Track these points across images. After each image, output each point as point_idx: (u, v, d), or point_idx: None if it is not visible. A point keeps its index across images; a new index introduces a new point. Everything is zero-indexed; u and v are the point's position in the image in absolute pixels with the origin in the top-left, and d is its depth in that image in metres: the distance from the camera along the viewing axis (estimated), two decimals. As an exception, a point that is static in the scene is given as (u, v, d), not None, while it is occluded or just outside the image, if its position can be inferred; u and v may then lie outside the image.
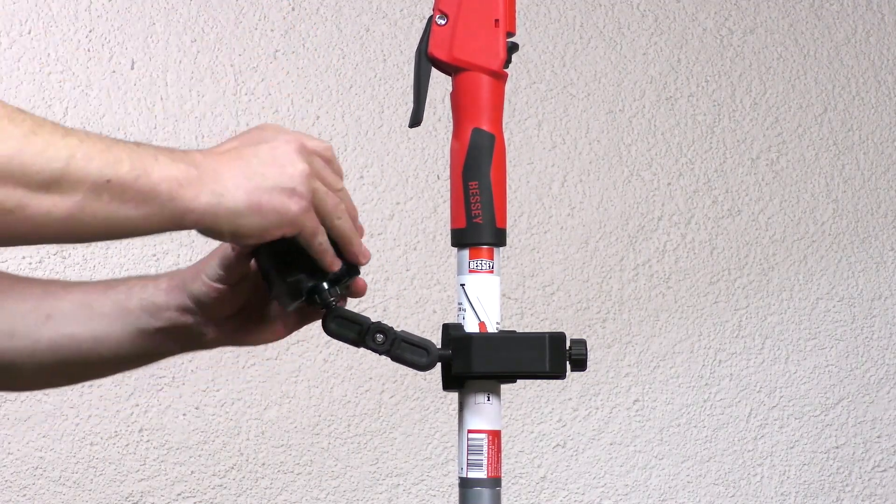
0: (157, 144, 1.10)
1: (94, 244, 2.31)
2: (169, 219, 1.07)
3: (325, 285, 1.20)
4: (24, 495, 2.28)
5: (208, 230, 1.10)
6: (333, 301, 1.21)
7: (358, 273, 1.22)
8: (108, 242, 2.32)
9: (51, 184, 1.01)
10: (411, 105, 1.26)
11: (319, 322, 1.26)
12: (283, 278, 1.19)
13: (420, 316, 2.45)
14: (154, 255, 2.34)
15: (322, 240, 1.16)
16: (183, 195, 1.07)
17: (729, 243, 2.61)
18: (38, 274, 2.28)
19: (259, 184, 1.10)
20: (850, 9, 2.70)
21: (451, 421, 2.43)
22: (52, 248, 2.30)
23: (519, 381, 1.26)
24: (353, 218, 1.19)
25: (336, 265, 1.19)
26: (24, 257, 2.29)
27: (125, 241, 2.33)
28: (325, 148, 1.17)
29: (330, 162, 1.18)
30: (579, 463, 2.52)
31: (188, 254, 2.35)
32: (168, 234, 2.46)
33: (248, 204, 1.09)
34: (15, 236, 1.03)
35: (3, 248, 2.24)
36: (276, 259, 1.19)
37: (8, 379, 1.28)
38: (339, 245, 1.19)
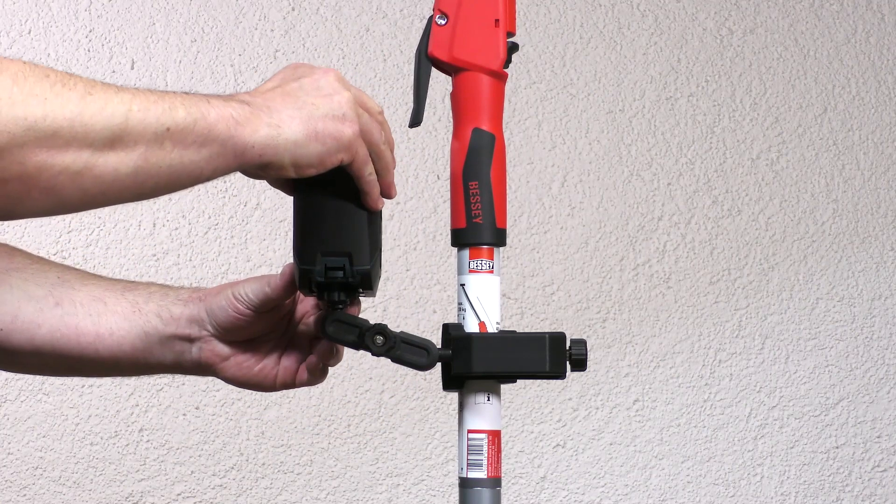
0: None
1: (93, 244, 2.31)
2: (231, 157, 1.09)
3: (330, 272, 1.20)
4: (24, 495, 2.28)
5: (269, 164, 1.12)
6: (340, 305, 1.22)
7: (370, 287, 1.22)
8: (108, 244, 2.32)
9: (114, 140, 1.02)
10: (411, 105, 1.26)
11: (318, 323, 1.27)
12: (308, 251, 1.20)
13: (420, 316, 2.45)
14: (154, 255, 2.34)
15: (371, 170, 1.18)
16: (241, 132, 1.09)
17: (729, 243, 2.61)
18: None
19: (312, 112, 1.13)
20: (850, 9, 2.70)
21: (451, 421, 2.43)
22: (52, 248, 2.29)
23: (519, 381, 1.26)
24: (391, 147, 1.22)
25: (379, 204, 1.20)
26: (24, 257, 2.29)
27: (125, 242, 2.33)
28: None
29: None
30: (579, 463, 2.52)
31: (188, 253, 2.35)
32: (168, 234, 2.46)
33: (306, 133, 1.12)
34: (86, 199, 1.04)
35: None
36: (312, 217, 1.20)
37: (5, 359, 1.28)
38: (379, 174, 1.20)
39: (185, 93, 1.09)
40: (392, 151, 1.22)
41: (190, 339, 1.28)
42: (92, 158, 1.02)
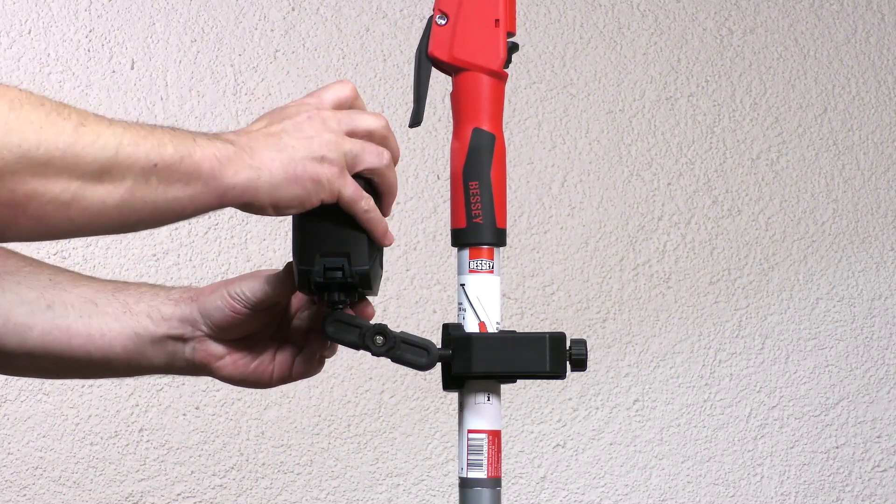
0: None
1: (93, 244, 2.31)
2: (213, 197, 1.10)
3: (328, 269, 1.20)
4: (24, 495, 2.28)
5: (249, 204, 1.13)
6: (340, 305, 1.22)
7: (370, 287, 1.22)
8: (107, 244, 2.32)
9: (103, 173, 1.03)
10: (411, 105, 1.26)
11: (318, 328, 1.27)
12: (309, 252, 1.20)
13: (420, 316, 2.45)
14: (154, 255, 2.34)
15: (367, 206, 1.19)
16: (224, 172, 1.10)
17: (729, 243, 2.61)
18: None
19: (292, 155, 1.14)
20: (850, 9, 2.70)
21: (451, 421, 2.43)
22: (52, 248, 2.29)
23: (519, 381, 1.26)
24: (396, 159, 1.22)
25: (388, 239, 1.20)
26: (24, 257, 2.29)
27: (125, 242, 2.33)
28: (347, 98, 1.21)
29: (356, 106, 1.21)
30: (579, 463, 2.52)
31: (188, 253, 2.34)
32: (168, 234, 2.46)
33: (285, 175, 1.13)
34: (71, 229, 1.05)
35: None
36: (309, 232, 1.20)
37: (0, 362, 1.28)
38: (381, 198, 1.20)
39: (174, 128, 1.10)
40: (396, 161, 1.22)
41: (183, 340, 1.28)
42: (81, 189, 1.02)
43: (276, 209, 1.14)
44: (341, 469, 2.41)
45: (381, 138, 1.20)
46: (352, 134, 1.18)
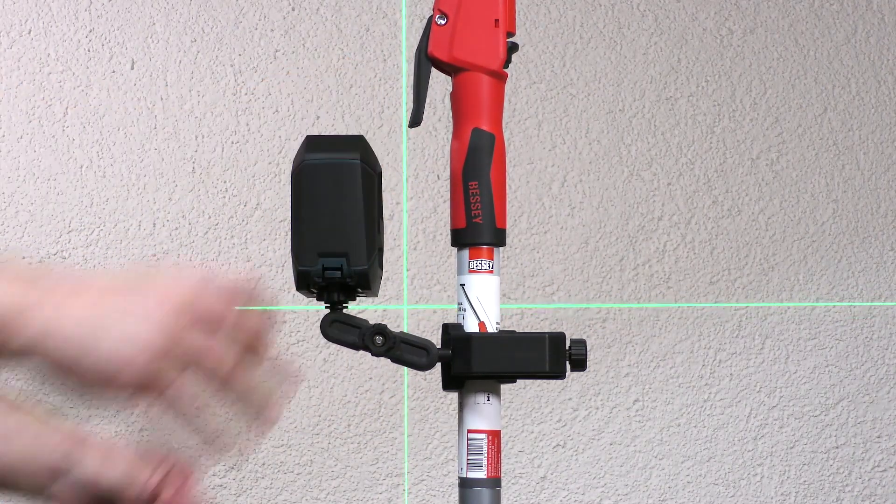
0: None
1: (93, 244, 2.31)
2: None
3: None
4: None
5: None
6: (339, 305, 1.22)
7: (369, 287, 1.22)
8: (108, 244, 2.32)
9: None
10: (411, 105, 1.26)
11: (318, 321, 1.27)
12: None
13: (420, 316, 2.45)
14: (154, 256, 2.34)
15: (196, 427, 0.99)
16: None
17: (729, 243, 2.61)
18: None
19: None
20: (850, 9, 2.70)
21: (451, 421, 2.43)
22: (52, 248, 2.29)
23: (519, 381, 1.26)
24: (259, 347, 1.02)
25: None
26: (23, 257, 2.29)
27: (125, 242, 2.33)
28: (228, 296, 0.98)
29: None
30: (579, 463, 2.52)
31: (188, 253, 2.34)
32: (168, 234, 2.45)
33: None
34: None
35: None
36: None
37: None
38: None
39: None
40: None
41: None
42: None
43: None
44: (341, 469, 2.41)
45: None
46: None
